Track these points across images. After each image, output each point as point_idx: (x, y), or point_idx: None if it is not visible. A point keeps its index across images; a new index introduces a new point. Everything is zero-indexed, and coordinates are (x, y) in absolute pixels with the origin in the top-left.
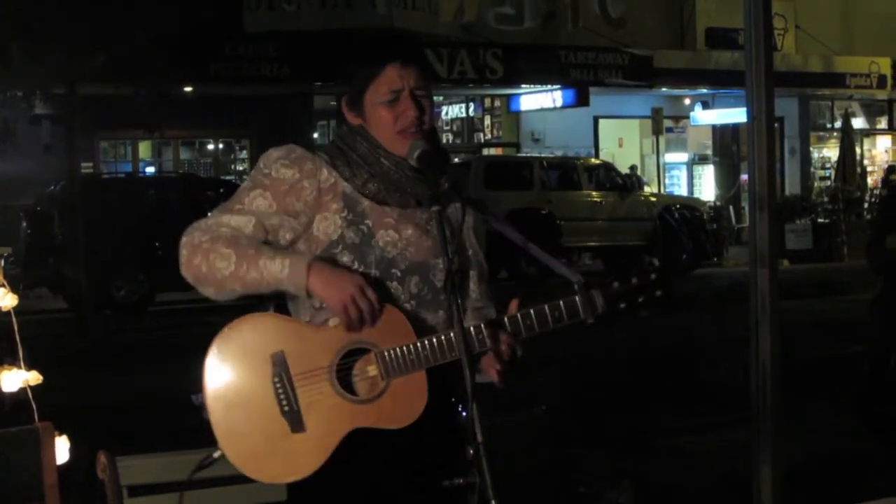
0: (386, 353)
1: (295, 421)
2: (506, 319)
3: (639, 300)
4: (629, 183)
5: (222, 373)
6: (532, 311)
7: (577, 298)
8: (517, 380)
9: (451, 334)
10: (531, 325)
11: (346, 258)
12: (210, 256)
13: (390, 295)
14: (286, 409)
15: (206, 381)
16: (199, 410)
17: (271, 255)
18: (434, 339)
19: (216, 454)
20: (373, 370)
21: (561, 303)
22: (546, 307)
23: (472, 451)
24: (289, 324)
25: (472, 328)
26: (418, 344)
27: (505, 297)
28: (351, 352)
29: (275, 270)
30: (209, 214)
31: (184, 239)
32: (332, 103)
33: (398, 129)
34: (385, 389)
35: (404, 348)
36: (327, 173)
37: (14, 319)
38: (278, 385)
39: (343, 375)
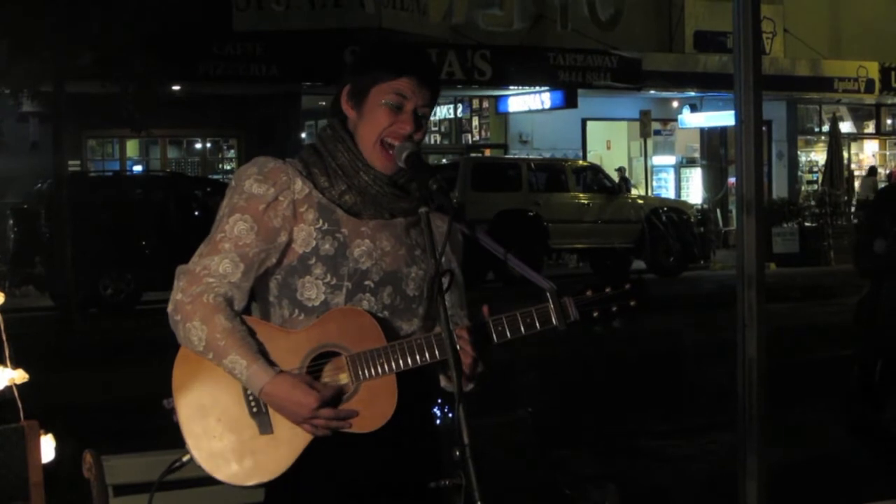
0: (355, 357)
1: (263, 423)
2: (477, 325)
3: (612, 309)
4: (617, 185)
5: (191, 375)
6: (504, 317)
7: (549, 306)
8: (484, 384)
9: (423, 338)
10: (503, 331)
11: (318, 270)
12: (187, 325)
13: (363, 307)
14: (254, 410)
15: (175, 383)
16: (170, 414)
17: (235, 359)
18: (405, 343)
19: (185, 458)
20: (342, 374)
21: (533, 310)
22: (518, 314)
23: (458, 453)
24: (258, 326)
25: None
26: (388, 348)
27: (492, 299)
28: (321, 355)
29: (236, 373)
30: (198, 251)
31: (175, 283)
32: (321, 103)
33: (385, 135)
34: (354, 393)
35: (374, 352)
36: (301, 184)
37: (0, 317)
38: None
39: (313, 378)
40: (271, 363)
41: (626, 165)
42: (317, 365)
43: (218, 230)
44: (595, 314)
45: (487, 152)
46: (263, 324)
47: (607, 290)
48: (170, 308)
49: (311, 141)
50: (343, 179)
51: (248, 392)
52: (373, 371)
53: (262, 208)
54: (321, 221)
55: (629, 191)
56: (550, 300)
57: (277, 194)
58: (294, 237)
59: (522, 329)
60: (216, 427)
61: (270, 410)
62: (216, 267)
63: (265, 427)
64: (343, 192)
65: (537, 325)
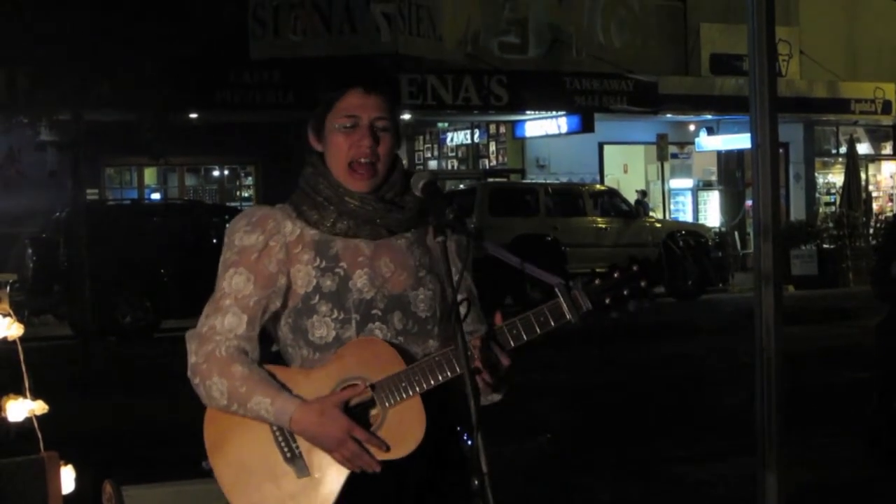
0: (378, 385)
1: (299, 467)
2: (492, 332)
3: (624, 293)
4: (635, 209)
5: (221, 434)
6: (517, 319)
7: (560, 300)
8: (509, 392)
9: (441, 355)
10: (518, 333)
11: (324, 307)
12: (207, 383)
13: (376, 336)
14: (288, 455)
15: (207, 444)
16: (209, 474)
17: (258, 399)
18: (424, 364)
19: None
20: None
21: (545, 307)
22: (530, 314)
23: (476, 482)
24: (279, 371)
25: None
26: (408, 371)
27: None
28: (343, 389)
29: (262, 412)
30: (203, 312)
31: (187, 348)
32: None
33: (349, 158)
34: (383, 421)
35: (395, 377)
36: (291, 226)
37: (20, 349)
38: (277, 434)
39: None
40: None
41: (644, 189)
42: None
43: (217, 289)
44: (607, 301)
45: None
46: (282, 369)
47: (615, 275)
48: (188, 373)
49: (299, 181)
50: (332, 209)
51: (280, 439)
52: (397, 396)
53: (255, 258)
54: (318, 259)
55: (647, 214)
56: (560, 294)
57: (268, 240)
58: (292, 279)
59: (537, 328)
60: (254, 479)
61: (304, 453)
62: (221, 324)
63: (301, 471)
64: (335, 220)
65: (551, 321)
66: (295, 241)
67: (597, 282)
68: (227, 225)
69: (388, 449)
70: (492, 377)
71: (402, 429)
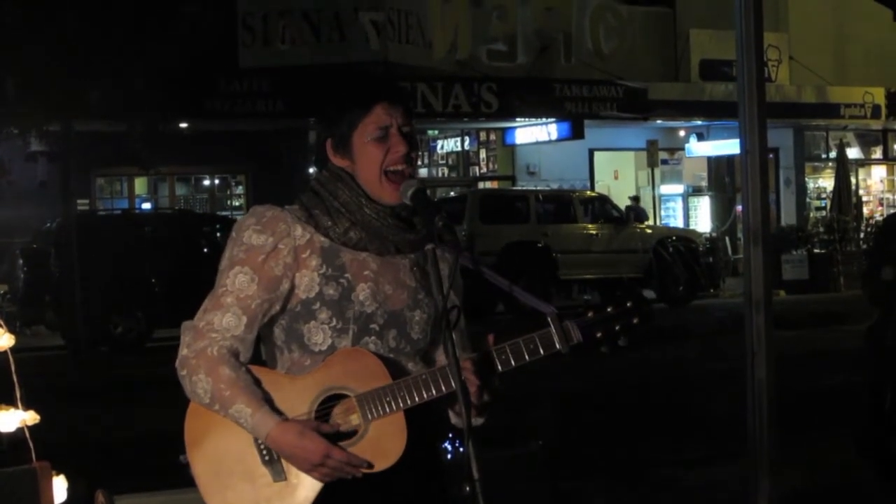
0: (363, 397)
1: (276, 471)
2: (482, 354)
3: (616, 328)
4: (627, 214)
5: (202, 429)
6: (507, 345)
7: (551, 330)
8: (493, 414)
9: (428, 373)
10: (506, 359)
11: (323, 315)
12: (193, 378)
13: (369, 350)
14: (266, 458)
15: (187, 438)
16: (186, 469)
17: (240, 407)
18: (410, 380)
19: None
20: (352, 415)
21: (535, 336)
22: (521, 340)
23: (468, 489)
24: (265, 375)
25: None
26: (394, 385)
27: (502, 331)
28: (328, 398)
29: (241, 421)
30: (202, 306)
31: (181, 339)
32: None
33: (387, 165)
34: (365, 433)
35: (381, 391)
36: (301, 230)
37: (11, 359)
38: None
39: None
40: (277, 411)
41: (637, 195)
42: (325, 408)
43: (219, 284)
44: (598, 335)
45: (495, 184)
46: (269, 372)
47: (609, 309)
48: (176, 364)
49: (311, 184)
50: (346, 217)
51: (259, 441)
52: (381, 410)
53: (262, 259)
54: (324, 267)
55: (641, 220)
56: (552, 324)
57: (277, 243)
58: (297, 283)
59: (526, 356)
60: (230, 478)
61: (282, 458)
62: (219, 322)
63: (278, 475)
64: (347, 228)
65: (541, 350)
66: (304, 246)
67: (590, 315)
68: (236, 223)
69: (369, 466)
70: (479, 398)
71: (383, 442)
